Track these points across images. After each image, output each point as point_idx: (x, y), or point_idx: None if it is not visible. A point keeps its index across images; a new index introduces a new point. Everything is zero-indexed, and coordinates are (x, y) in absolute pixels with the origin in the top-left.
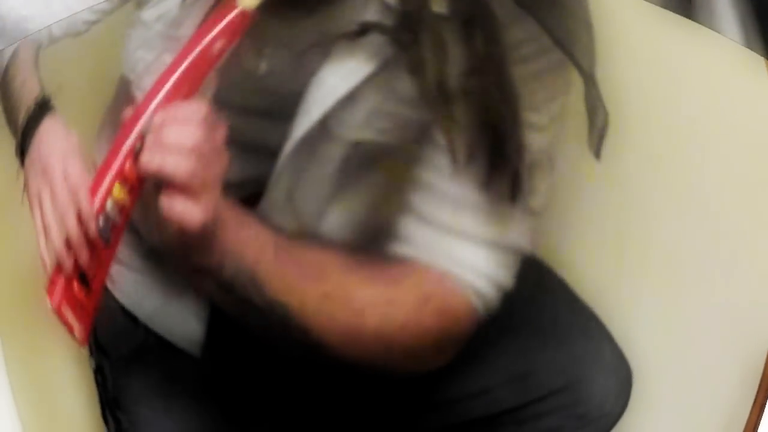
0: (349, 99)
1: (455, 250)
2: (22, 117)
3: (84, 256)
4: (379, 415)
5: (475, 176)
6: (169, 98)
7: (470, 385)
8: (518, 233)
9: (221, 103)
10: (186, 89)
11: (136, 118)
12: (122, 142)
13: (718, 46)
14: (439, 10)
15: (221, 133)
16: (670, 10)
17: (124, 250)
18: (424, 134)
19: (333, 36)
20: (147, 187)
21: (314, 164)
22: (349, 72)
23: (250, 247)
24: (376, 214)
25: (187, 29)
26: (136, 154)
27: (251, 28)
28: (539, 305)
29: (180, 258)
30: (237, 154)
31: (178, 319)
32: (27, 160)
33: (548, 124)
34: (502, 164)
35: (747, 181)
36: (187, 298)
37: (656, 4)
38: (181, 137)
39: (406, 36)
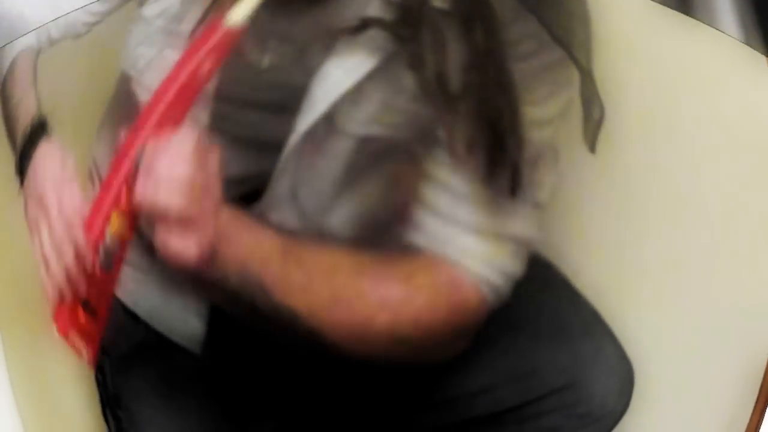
0: (355, 94)
1: (463, 240)
2: (19, 137)
3: (85, 287)
4: (382, 414)
5: (475, 170)
6: (161, 125)
7: (472, 383)
8: (524, 224)
9: (223, 96)
10: (176, 114)
11: (129, 145)
12: (116, 172)
13: (718, 43)
14: (439, 5)
15: (214, 162)
16: (669, 7)
17: None
18: (430, 129)
19: (335, 31)
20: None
21: (320, 159)
22: (352, 66)
23: (256, 255)
24: (385, 207)
25: (188, 24)
26: (130, 182)
27: (254, 23)
28: (541, 303)
29: (181, 273)
30: (238, 149)
31: (179, 317)
32: (25, 183)
33: (551, 119)
34: (501, 159)
35: (747, 179)
36: (187, 295)
37: (655, 1)
38: (172, 171)
39: (406, 31)
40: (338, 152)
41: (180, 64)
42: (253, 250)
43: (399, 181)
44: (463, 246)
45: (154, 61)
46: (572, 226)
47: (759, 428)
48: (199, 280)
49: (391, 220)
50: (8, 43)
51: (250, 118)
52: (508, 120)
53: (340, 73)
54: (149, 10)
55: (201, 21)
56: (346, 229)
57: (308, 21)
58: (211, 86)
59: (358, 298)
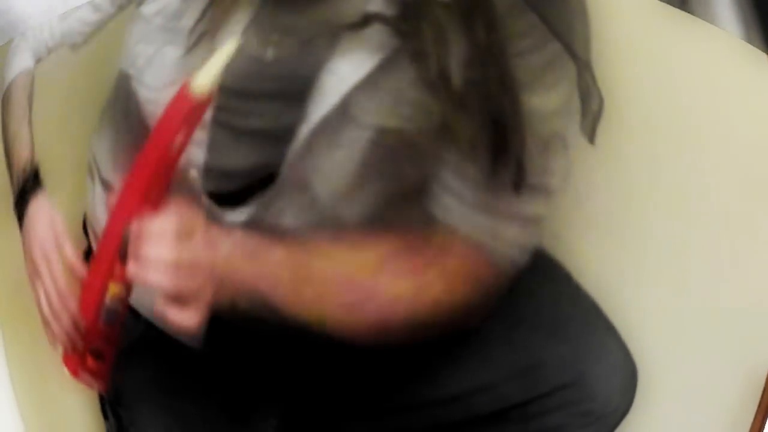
0: (369, 85)
1: (476, 217)
2: (15, 181)
3: (88, 342)
4: (385, 411)
5: (480, 165)
6: (142, 202)
7: (474, 379)
8: (534, 207)
9: (227, 89)
10: (157, 190)
11: (114, 223)
12: (106, 248)
13: (718, 40)
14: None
15: (200, 236)
16: (669, 3)
17: None
18: (442, 122)
19: (337, 26)
20: None
21: (336, 149)
22: (360, 60)
23: (263, 280)
24: (404, 189)
25: (188, 21)
26: (122, 257)
27: (256, 18)
28: (543, 299)
29: None
30: (245, 142)
31: None
32: (22, 233)
33: (555, 111)
34: (504, 154)
35: (751, 177)
36: None
37: None
38: (158, 253)
39: (407, 26)
40: (355, 143)
41: (152, 141)
42: (260, 275)
43: (416, 166)
44: (476, 222)
45: (154, 58)
46: (574, 221)
47: (762, 428)
48: None
49: (411, 197)
50: (8, 42)
51: (256, 109)
52: (511, 115)
53: (348, 67)
54: (148, 9)
55: (201, 18)
56: (365, 214)
57: (311, 16)
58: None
59: (373, 299)
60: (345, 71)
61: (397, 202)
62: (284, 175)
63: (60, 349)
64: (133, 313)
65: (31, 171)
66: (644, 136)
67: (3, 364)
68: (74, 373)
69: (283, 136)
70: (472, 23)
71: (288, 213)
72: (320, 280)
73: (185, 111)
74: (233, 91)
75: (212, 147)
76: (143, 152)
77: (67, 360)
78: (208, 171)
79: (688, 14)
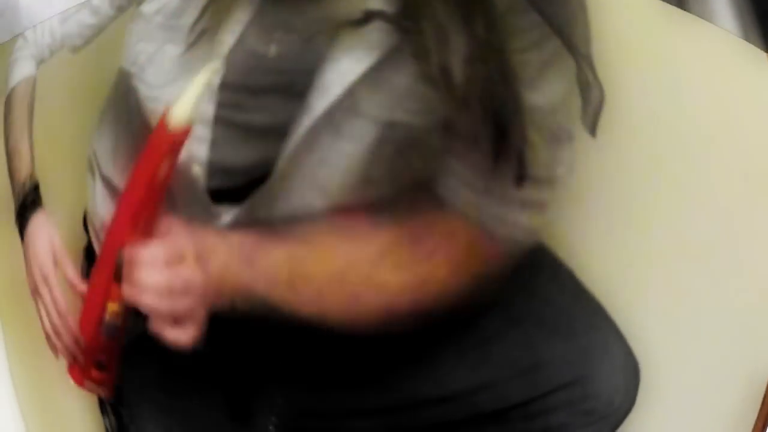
0: (373, 78)
1: (479, 200)
2: (15, 195)
3: (90, 356)
4: (386, 409)
5: (483, 158)
6: (131, 232)
7: (476, 377)
8: (537, 195)
9: (230, 85)
10: (147, 218)
11: (108, 249)
12: (101, 276)
13: (716, 37)
14: None
15: (191, 261)
16: (666, 1)
17: None
18: (447, 118)
19: (338, 23)
20: None
21: (342, 141)
22: (362, 55)
23: (261, 281)
24: (410, 181)
25: (188, 19)
26: (117, 279)
27: (257, 16)
28: (546, 296)
29: None
30: (248, 137)
31: None
32: (24, 246)
33: (559, 104)
34: (506, 150)
35: (752, 173)
36: None
37: None
38: (150, 280)
39: (408, 23)
40: (361, 135)
41: (136, 176)
42: (258, 277)
43: (423, 158)
44: (482, 206)
45: (155, 56)
46: (576, 219)
47: (766, 426)
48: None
49: (418, 183)
50: (11, 39)
51: (260, 104)
52: (512, 111)
53: (351, 61)
54: (148, 7)
55: (201, 16)
56: (372, 201)
57: (312, 14)
58: (217, 77)
59: (374, 291)
60: (347, 65)
61: (404, 189)
62: (285, 169)
63: (64, 360)
64: (134, 310)
65: (30, 187)
66: (644, 133)
67: (4, 364)
68: (79, 383)
69: (287, 130)
70: (472, 20)
71: (289, 206)
72: (318, 276)
73: (165, 144)
74: (236, 87)
75: (215, 144)
76: (128, 185)
77: (71, 371)
78: (212, 167)
79: (686, 12)
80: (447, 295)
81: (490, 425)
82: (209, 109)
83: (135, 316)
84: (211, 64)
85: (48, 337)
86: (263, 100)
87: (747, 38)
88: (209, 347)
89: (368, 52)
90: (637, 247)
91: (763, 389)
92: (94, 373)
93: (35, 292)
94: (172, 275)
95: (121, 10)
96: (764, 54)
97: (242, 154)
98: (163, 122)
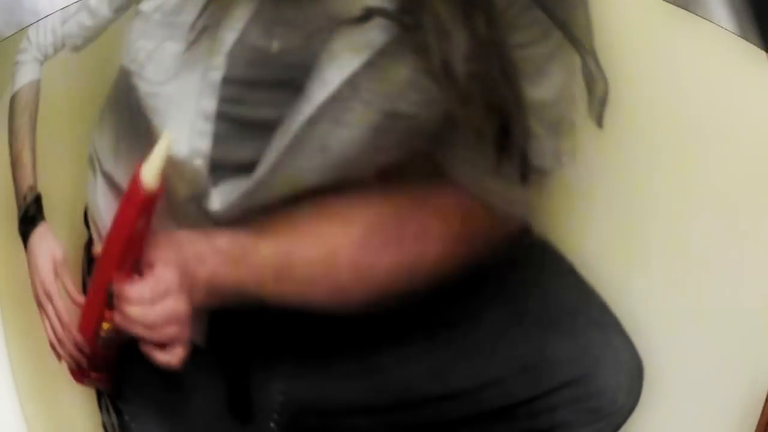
0: (374, 71)
1: (477, 176)
2: (17, 204)
3: (92, 363)
4: (390, 407)
5: (485, 156)
6: (117, 271)
7: (481, 375)
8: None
9: (232, 80)
10: (129, 261)
11: (96, 287)
12: (93, 304)
13: (717, 36)
14: None
15: (175, 294)
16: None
17: None
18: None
19: (339, 20)
20: None
21: (344, 129)
22: (364, 49)
23: (249, 279)
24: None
25: (188, 16)
26: (109, 305)
27: (258, 13)
28: (549, 293)
29: None
30: (250, 131)
31: None
32: (27, 257)
33: (562, 97)
34: (508, 146)
35: (753, 171)
36: None
37: None
38: (137, 315)
39: (408, 19)
40: (362, 124)
41: (113, 233)
42: (246, 276)
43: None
44: (484, 183)
45: (155, 53)
46: (579, 217)
47: None
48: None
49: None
50: (19, 31)
51: (263, 99)
52: (514, 107)
53: (352, 55)
54: (147, 6)
55: (202, 13)
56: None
57: (313, 10)
58: (216, 75)
59: (363, 275)
60: (348, 59)
61: (405, 163)
62: (284, 154)
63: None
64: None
65: (31, 200)
66: (645, 132)
67: (5, 363)
68: (80, 381)
69: (289, 124)
70: (473, 16)
71: (284, 186)
72: (305, 265)
73: (139, 204)
74: (239, 82)
75: (218, 139)
76: (109, 237)
77: (72, 372)
78: (216, 162)
79: (686, 11)
80: (439, 274)
81: (495, 423)
82: (211, 105)
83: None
84: (168, 133)
85: (52, 346)
86: (266, 95)
87: (746, 37)
88: (211, 343)
89: (369, 47)
90: (640, 245)
91: (767, 388)
92: (93, 374)
93: (39, 305)
94: (157, 310)
95: (119, 11)
96: (763, 53)
97: (246, 150)
98: (136, 180)
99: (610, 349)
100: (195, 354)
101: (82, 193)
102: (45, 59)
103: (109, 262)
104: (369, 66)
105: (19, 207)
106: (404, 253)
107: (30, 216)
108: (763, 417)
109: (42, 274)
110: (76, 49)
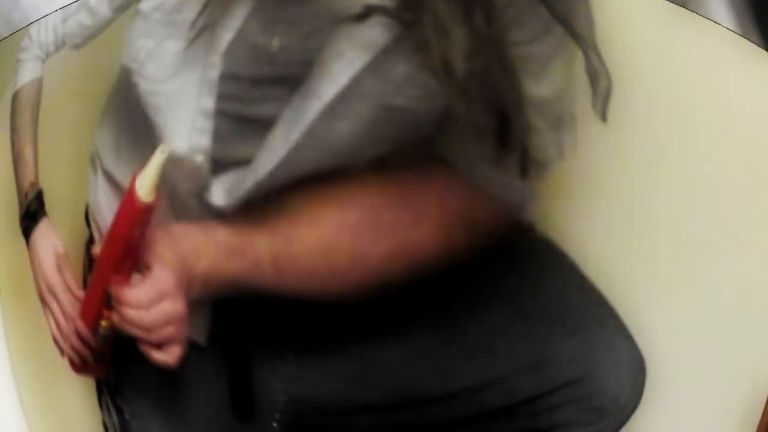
0: (375, 67)
1: (485, 170)
2: (19, 200)
3: (93, 357)
4: (392, 406)
5: (485, 149)
6: (116, 272)
7: (484, 373)
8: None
9: (232, 77)
10: (128, 264)
11: (94, 289)
12: (91, 304)
13: (718, 35)
14: None
15: (172, 296)
16: None
17: None
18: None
19: (339, 18)
20: None
21: (341, 121)
22: (364, 47)
23: (246, 272)
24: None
25: (188, 14)
26: (108, 305)
27: (257, 11)
28: (552, 291)
29: None
30: (251, 129)
31: None
32: (29, 253)
33: (565, 91)
34: (509, 142)
35: (755, 169)
36: None
37: None
38: (135, 318)
39: (408, 16)
40: (359, 117)
41: (109, 240)
42: (243, 268)
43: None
44: (483, 171)
45: (155, 51)
46: (582, 215)
47: None
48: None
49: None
50: (19, 30)
51: (264, 95)
52: (513, 103)
53: (355, 52)
54: (146, 5)
55: (202, 12)
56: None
57: (312, 8)
58: (214, 73)
59: (358, 263)
60: (352, 56)
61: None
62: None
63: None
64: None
65: (33, 196)
66: (647, 130)
67: (6, 365)
68: (78, 372)
69: (295, 119)
70: (472, 13)
71: (281, 174)
72: (301, 254)
73: (135, 215)
74: (239, 79)
75: (218, 136)
76: (106, 242)
77: (72, 365)
78: (219, 161)
79: (687, 11)
80: (438, 261)
81: (496, 422)
82: (209, 102)
83: None
84: (164, 145)
85: (55, 341)
86: (267, 92)
87: (747, 36)
88: (214, 342)
89: (373, 45)
90: (643, 244)
91: None
92: (93, 366)
93: (42, 301)
94: (154, 313)
95: (118, 11)
96: (765, 52)
97: (247, 147)
98: (132, 191)
99: (613, 348)
100: (197, 353)
101: (83, 190)
102: (47, 57)
103: (107, 265)
104: (372, 63)
105: (20, 204)
106: (402, 239)
107: (32, 212)
108: (764, 417)
109: (45, 269)
110: (77, 47)
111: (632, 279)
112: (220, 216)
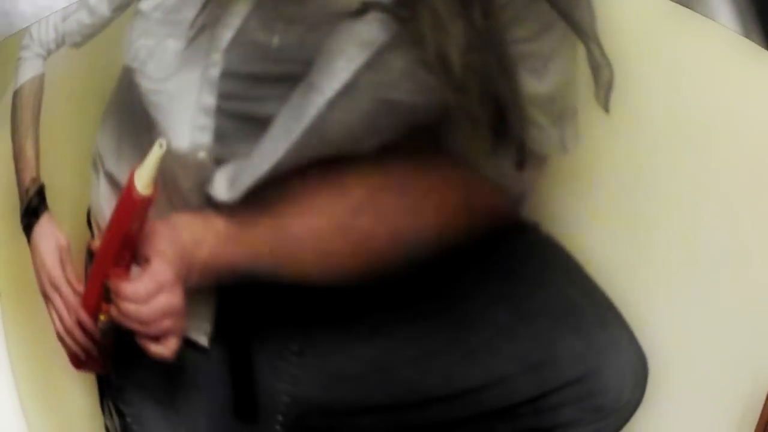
0: (374, 62)
1: (483, 160)
2: (20, 196)
3: (95, 349)
4: (394, 407)
5: (483, 141)
6: (115, 265)
7: (485, 373)
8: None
9: (232, 75)
10: (127, 257)
11: (93, 283)
12: (90, 297)
13: (720, 34)
14: None
15: (170, 288)
16: None
17: None
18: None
19: (337, 15)
20: None
21: (334, 111)
22: (364, 43)
23: (244, 258)
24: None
25: (188, 13)
26: (106, 298)
27: (256, 9)
28: (555, 289)
29: None
30: (253, 128)
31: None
32: (30, 250)
33: (567, 86)
34: (505, 135)
35: (756, 167)
36: (194, 288)
37: None
38: (132, 311)
39: (405, 12)
40: (361, 110)
41: (109, 233)
42: (241, 255)
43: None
44: (475, 158)
45: (155, 50)
46: (584, 213)
47: None
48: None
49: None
50: (18, 31)
51: (264, 93)
52: (510, 97)
53: (355, 49)
54: (146, 5)
55: (202, 11)
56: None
57: (313, 5)
58: (215, 71)
59: (358, 245)
60: (356, 53)
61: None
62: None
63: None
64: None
65: (34, 192)
66: (646, 131)
67: (6, 365)
68: (78, 368)
69: (297, 116)
70: (470, 7)
71: (291, 164)
72: (300, 237)
73: (133, 209)
74: (239, 78)
75: (220, 134)
76: (104, 236)
77: (74, 361)
78: (218, 158)
79: (689, 10)
80: (438, 245)
81: (498, 422)
82: (210, 100)
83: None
84: (161, 140)
85: (59, 337)
86: (268, 90)
87: (749, 36)
88: (216, 344)
89: (374, 41)
90: (645, 243)
91: None
92: (92, 360)
93: (45, 297)
94: (152, 306)
95: (117, 11)
96: (766, 51)
97: (250, 143)
98: (130, 186)
99: (616, 346)
100: (198, 355)
101: (84, 187)
102: (48, 54)
103: (105, 259)
104: (372, 59)
105: (21, 201)
106: (402, 221)
107: (33, 207)
108: (764, 415)
109: (47, 263)
110: (77, 45)
111: (634, 278)
112: (219, 206)
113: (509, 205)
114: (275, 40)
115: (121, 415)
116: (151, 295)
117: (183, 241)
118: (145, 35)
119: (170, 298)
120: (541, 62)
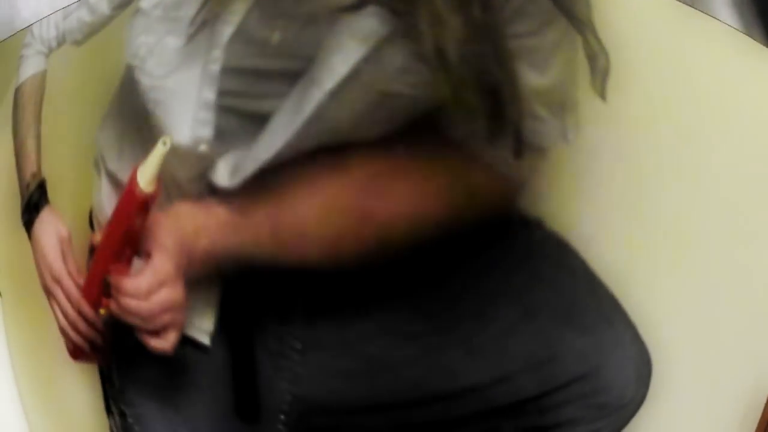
0: (373, 56)
1: (482, 148)
2: (21, 191)
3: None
4: (399, 404)
5: (480, 133)
6: (115, 261)
7: (491, 371)
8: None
9: (232, 71)
10: (128, 252)
11: (93, 277)
12: (90, 292)
13: (722, 32)
14: None
15: (171, 284)
16: None
17: None
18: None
19: (335, 10)
20: None
21: (334, 102)
22: (363, 37)
23: (246, 245)
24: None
25: (188, 11)
26: (106, 293)
27: (255, 7)
28: (558, 286)
29: None
30: (254, 125)
31: (187, 308)
32: (31, 244)
33: (568, 79)
34: (502, 127)
35: (756, 163)
36: (196, 284)
37: None
38: (133, 307)
39: (402, 6)
40: (361, 102)
41: (111, 228)
42: (242, 241)
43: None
44: (486, 148)
45: (156, 47)
46: (588, 212)
47: None
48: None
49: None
50: (17, 33)
51: (266, 90)
52: (507, 90)
53: (354, 43)
54: (146, 2)
55: (201, 8)
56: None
57: (312, 0)
58: (215, 67)
59: (362, 222)
60: (355, 48)
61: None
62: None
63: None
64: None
65: (35, 187)
66: (650, 127)
67: (6, 364)
68: (77, 359)
69: (299, 110)
70: (468, 3)
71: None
72: (302, 217)
73: (135, 206)
74: (241, 73)
75: (221, 133)
76: (106, 232)
77: (74, 353)
78: (219, 152)
79: (690, 8)
80: (438, 229)
81: (503, 419)
82: (210, 95)
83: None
84: (165, 137)
85: (62, 331)
86: (268, 86)
87: (750, 34)
88: (217, 344)
89: (372, 36)
90: (649, 241)
91: None
92: (91, 353)
93: (47, 292)
94: (153, 302)
95: (118, 9)
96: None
97: (250, 138)
98: (133, 183)
99: (620, 344)
100: (201, 355)
101: (84, 181)
102: (49, 52)
103: (105, 254)
104: (370, 53)
105: (22, 196)
106: (402, 203)
107: (33, 202)
108: (765, 415)
109: (49, 257)
110: (77, 43)
111: (639, 276)
112: (220, 194)
113: (510, 193)
114: (275, 36)
115: (122, 416)
116: (152, 290)
117: (184, 231)
118: (145, 33)
119: (171, 293)
120: (542, 56)
